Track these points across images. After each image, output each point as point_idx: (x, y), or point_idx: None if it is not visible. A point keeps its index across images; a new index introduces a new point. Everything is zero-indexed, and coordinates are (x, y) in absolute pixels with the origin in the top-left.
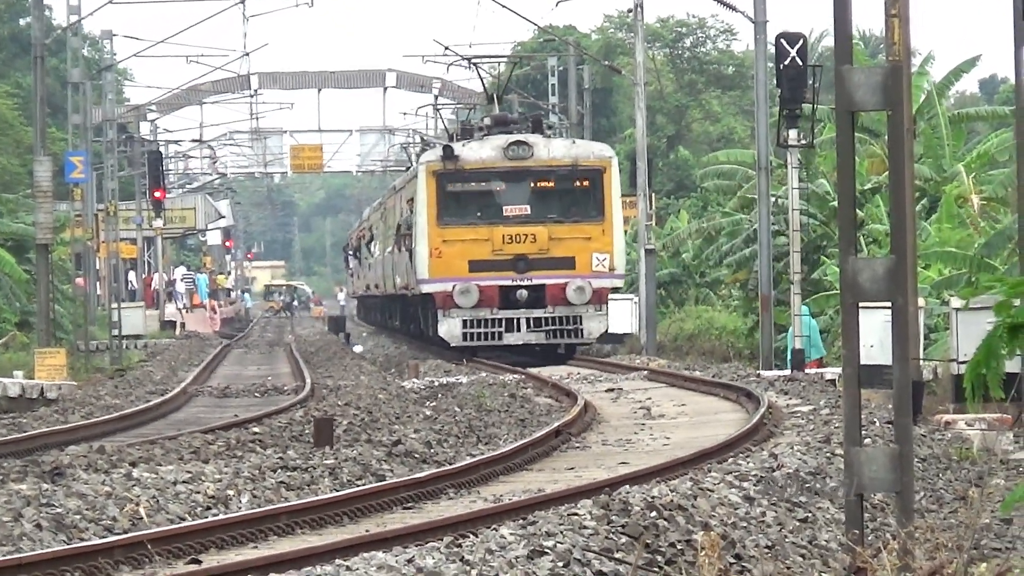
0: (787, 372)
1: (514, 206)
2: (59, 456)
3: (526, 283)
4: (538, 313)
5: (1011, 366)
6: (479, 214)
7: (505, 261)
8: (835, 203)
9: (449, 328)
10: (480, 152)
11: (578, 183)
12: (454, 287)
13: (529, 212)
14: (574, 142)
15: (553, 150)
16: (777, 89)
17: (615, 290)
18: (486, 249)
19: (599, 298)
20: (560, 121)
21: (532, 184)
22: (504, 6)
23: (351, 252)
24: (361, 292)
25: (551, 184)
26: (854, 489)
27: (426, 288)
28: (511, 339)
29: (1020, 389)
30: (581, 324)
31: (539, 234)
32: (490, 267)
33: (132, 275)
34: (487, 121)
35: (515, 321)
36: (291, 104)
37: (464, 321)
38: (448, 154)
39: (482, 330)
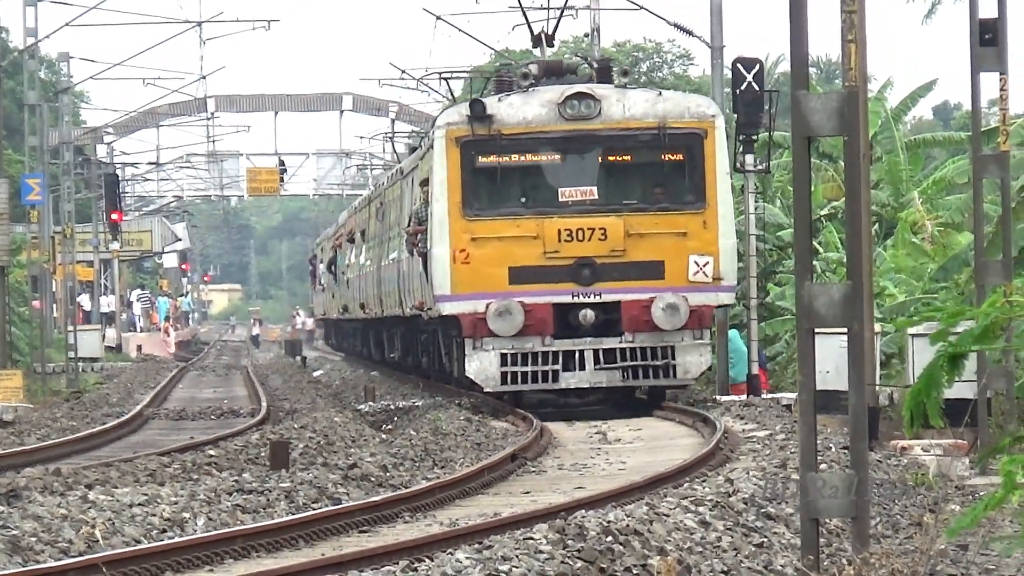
0: (743, 397)
1: (575, 188)
2: (15, 478)
3: (593, 299)
4: (611, 343)
5: (966, 392)
6: (524, 200)
7: (562, 268)
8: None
9: (481, 365)
10: (524, 110)
11: (668, 154)
12: (488, 307)
13: (597, 197)
14: (660, 94)
15: (631, 106)
16: (734, 114)
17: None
18: (534, 251)
19: (699, 321)
20: None
21: (601, 156)
22: (460, 30)
23: (321, 264)
24: (336, 314)
25: (628, 156)
26: (810, 514)
27: (447, 308)
28: (571, 380)
29: (974, 415)
30: (673, 358)
31: (612, 228)
32: (540, 277)
33: (85, 298)
34: (533, 69)
35: (577, 355)
36: (248, 127)
37: (503, 355)
38: (478, 113)
39: (529, 368)
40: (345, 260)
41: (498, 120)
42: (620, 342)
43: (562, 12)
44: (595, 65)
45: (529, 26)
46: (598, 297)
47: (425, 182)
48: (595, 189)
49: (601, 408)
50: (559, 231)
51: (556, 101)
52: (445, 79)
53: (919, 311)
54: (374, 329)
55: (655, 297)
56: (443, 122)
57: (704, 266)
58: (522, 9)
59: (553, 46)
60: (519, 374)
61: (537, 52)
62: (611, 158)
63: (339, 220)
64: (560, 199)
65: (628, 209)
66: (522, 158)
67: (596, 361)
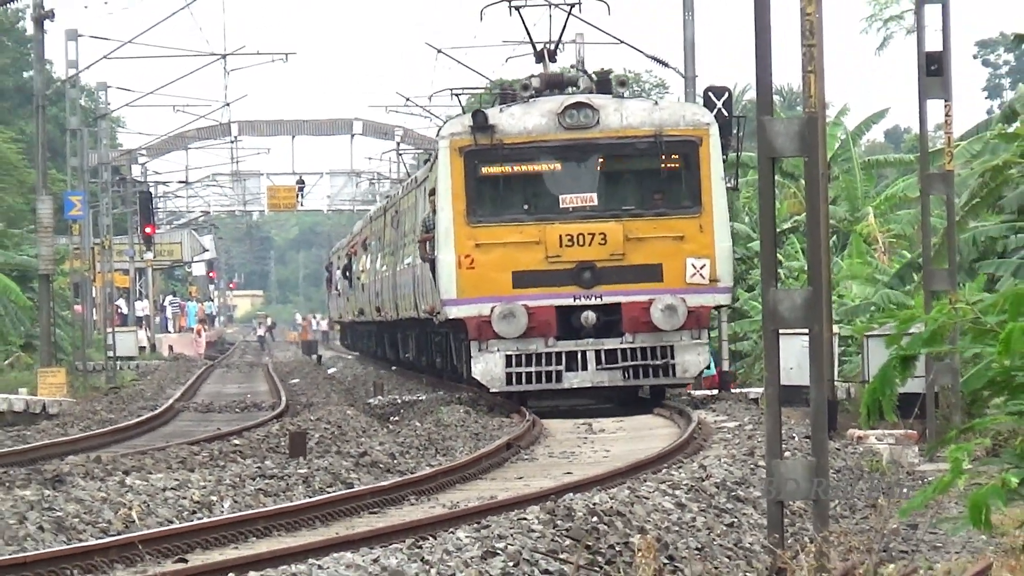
0: (715, 392)
1: (575, 194)
2: (59, 465)
3: (594, 302)
4: (611, 343)
5: (916, 387)
6: (526, 207)
7: (564, 272)
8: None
9: (487, 366)
10: (525, 120)
11: (664, 161)
12: (492, 310)
13: (596, 203)
14: (656, 103)
15: (628, 115)
16: None
17: (719, 310)
18: (536, 256)
19: (697, 321)
20: None
21: (600, 163)
22: (459, 62)
23: (338, 271)
24: (351, 317)
25: (626, 163)
26: (775, 497)
27: (453, 312)
28: (574, 380)
29: (923, 407)
30: (672, 357)
31: (611, 233)
32: (543, 281)
33: (122, 302)
34: (535, 82)
35: (579, 355)
36: (268, 149)
37: (508, 357)
38: (480, 123)
39: (533, 369)
40: (360, 266)
41: (500, 130)
42: (621, 342)
43: (564, 28)
44: (595, 78)
45: (532, 43)
46: (599, 299)
47: (433, 191)
48: (595, 195)
49: (608, 406)
50: (560, 236)
51: (556, 111)
52: (456, 95)
53: (874, 315)
54: (389, 331)
55: (654, 299)
56: (447, 133)
57: (701, 268)
58: (525, 27)
59: (556, 61)
60: (523, 375)
61: (540, 68)
62: (610, 164)
63: (354, 229)
64: (561, 205)
65: (627, 214)
66: (524, 166)
67: (598, 361)
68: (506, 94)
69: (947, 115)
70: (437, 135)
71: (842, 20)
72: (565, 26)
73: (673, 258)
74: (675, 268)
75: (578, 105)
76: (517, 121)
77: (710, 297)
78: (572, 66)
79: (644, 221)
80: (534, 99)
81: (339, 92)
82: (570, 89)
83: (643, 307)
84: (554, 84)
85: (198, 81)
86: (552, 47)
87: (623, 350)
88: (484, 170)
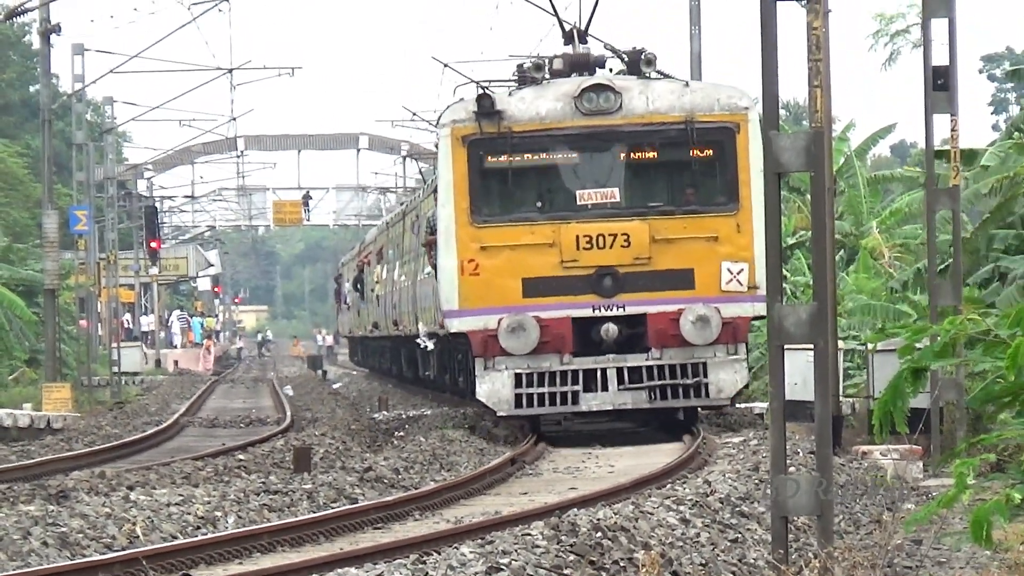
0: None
1: (595, 190)
2: (64, 480)
3: (616, 313)
4: (635, 360)
5: (920, 402)
6: (538, 204)
7: (581, 279)
8: None
9: (493, 387)
10: (537, 105)
11: (696, 151)
12: (499, 323)
13: (619, 199)
14: (687, 84)
15: (655, 99)
16: None
17: (758, 321)
18: (550, 260)
19: (733, 334)
20: None
21: (623, 154)
22: (465, 76)
23: (347, 283)
24: (364, 332)
25: (653, 154)
26: (779, 512)
27: (455, 324)
28: (593, 402)
29: (928, 423)
30: (705, 375)
31: (635, 233)
32: (557, 288)
33: (128, 317)
34: (557, 63)
35: (598, 374)
36: (274, 164)
37: (517, 376)
38: (486, 108)
39: (546, 389)
40: (374, 277)
41: (509, 116)
42: (646, 359)
43: (595, 5)
44: (625, 58)
45: (561, 23)
46: (621, 310)
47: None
48: (617, 191)
49: (631, 429)
50: (577, 238)
51: (572, 94)
52: (483, 87)
53: (886, 327)
54: (407, 347)
55: (684, 309)
56: (448, 120)
57: (738, 273)
58: (553, 7)
59: (587, 43)
60: (535, 396)
61: (568, 50)
62: (634, 156)
63: (366, 239)
64: (578, 202)
65: (653, 212)
66: (536, 157)
67: (620, 380)
68: (524, 78)
69: (953, 129)
70: (437, 123)
71: (849, 36)
72: (596, 4)
73: (706, 262)
74: (708, 273)
75: (597, 87)
76: (528, 106)
77: (748, 306)
78: (605, 46)
79: (673, 220)
80: (548, 81)
81: (345, 107)
82: (599, 72)
83: (671, 318)
84: (581, 66)
85: (204, 95)
86: (584, 26)
87: (649, 368)
88: (490, 162)
